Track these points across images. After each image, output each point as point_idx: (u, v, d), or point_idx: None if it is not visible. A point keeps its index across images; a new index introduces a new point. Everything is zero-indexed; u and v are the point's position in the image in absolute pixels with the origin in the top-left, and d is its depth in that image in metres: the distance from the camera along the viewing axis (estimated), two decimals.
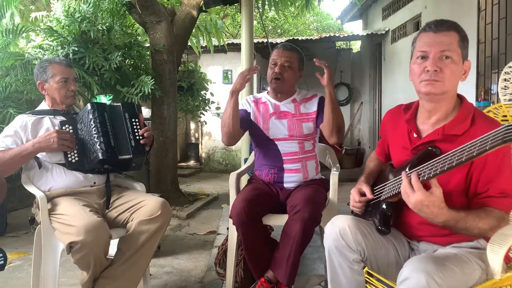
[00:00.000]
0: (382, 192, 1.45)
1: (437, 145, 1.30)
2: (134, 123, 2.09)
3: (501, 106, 1.95)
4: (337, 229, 1.43)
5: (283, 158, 2.24)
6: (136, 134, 2.07)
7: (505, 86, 1.97)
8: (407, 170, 1.28)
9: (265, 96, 2.39)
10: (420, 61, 1.35)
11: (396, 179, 1.38)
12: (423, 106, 1.43)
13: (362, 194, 1.50)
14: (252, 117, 2.32)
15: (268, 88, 2.38)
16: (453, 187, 1.31)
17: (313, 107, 2.29)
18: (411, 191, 1.20)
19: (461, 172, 1.29)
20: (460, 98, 1.40)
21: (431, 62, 1.31)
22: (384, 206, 1.42)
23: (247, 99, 2.41)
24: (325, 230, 1.49)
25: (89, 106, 2.04)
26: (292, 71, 2.27)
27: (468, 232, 1.24)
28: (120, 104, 2.15)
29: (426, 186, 1.20)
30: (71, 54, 3.61)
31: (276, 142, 2.26)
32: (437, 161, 1.18)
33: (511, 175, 1.28)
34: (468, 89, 4.10)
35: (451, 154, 1.14)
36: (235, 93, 2.12)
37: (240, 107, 2.33)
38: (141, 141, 2.06)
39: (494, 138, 1.03)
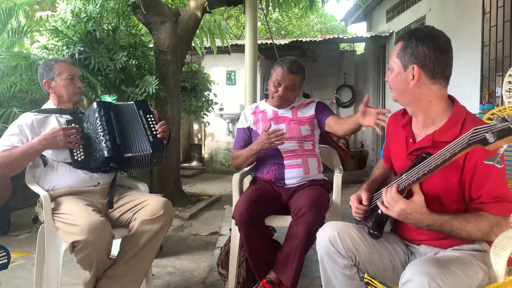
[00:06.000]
0: (380, 197, 1.46)
1: (429, 151, 1.30)
2: (149, 119, 2.11)
3: (506, 108, 1.95)
4: (327, 236, 1.46)
5: (283, 155, 2.26)
6: (153, 129, 2.08)
7: (509, 89, 1.96)
8: (403, 176, 1.31)
9: (264, 104, 2.46)
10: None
11: (388, 186, 1.38)
12: None
13: (361, 201, 1.51)
14: (252, 126, 2.41)
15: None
16: (448, 193, 1.33)
17: (309, 111, 2.37)
18: (393, 202, 1.26)
19: (455, 178, 1.30)
20: (452, 100, 1.40)
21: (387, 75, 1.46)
22: (379, 211, 1.42)
23: (245, 114, 2.47)
24: (317, 237, 1.52)
25: (95, 105, 2.06)
26: (294, 92, 2.36)
27: (457, 235, 1.25)
28: (133, 102, 2.19)
29: (410, 193, 1.26)
30: (76, 54, 3.62)
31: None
32: (416, 169, 1.23)
33: (502, 179, 1.29)
34: (472, 91, 4.09)
35: (427, 162, 1.20)
36: (259, 152, 2.23)
37: (239, 125, 2.46)
38: (159, 135, 2.07)
39: (462, 141, 1.08)
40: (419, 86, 1.35)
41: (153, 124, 2.10)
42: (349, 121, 2.13)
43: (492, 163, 1.01)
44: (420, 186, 1.27)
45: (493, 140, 0.98)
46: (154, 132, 2.07)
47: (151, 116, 2.12)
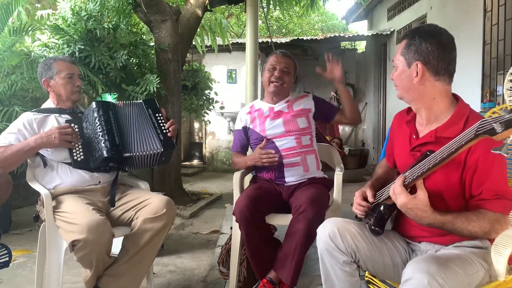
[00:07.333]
0: (382, 195, 1.47)
1: (431, 147, 1.31)
2: (158, 118, 2.11)
3: (507, 107, 1.95)
4: (327, 232, 1.46)
5: (282, 153, 2.27)
6: (163, 128, 2.09)
7: (510, 87, 1.96)
8: (407, 173, 1.31)
9: (259, 103, 2.47)
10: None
11: (393, 183, 1.39)
12: None
13: (365, 198, 1.52)
14: (249, 125, 2.42)
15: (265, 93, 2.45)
16: (449, 190, 1.33)
17: (306, 105, 2.39)
18: (397, 193, 1.27)
19: (456, 175, 1.31)
20: (456, 98, 1.41)
21: (392, 73, 1.47)
22: (381, 208, 1.43)
23: (240, 117, 2.49)
24: (317, 233, 1.52)
25: (94, 104, 2.05)
26: (289, 76, 2.37)
27: (458, 234, 1.26)
28: (141, 101, 2.19)
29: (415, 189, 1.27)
30: (77, 53, 3.62)
31: (274, 140, 2.29)
32: (421, 164, 1.24)
33: (503, 177, 1.30)
34: (473, 90, 4.08)
35: (431, 157, 1.21)
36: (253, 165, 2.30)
37: (236, 127, 2.51)
38: (168, 134, 2.07)
39: (469, 133, 1.08)
40: (423, 82, 1.37)
41: (163, 123, 2.10)
42: (344, 103, 2.38)
43: (499, 152, 1.03)
44: (423, 183, 1.26)
45: (500, 130, 0.99)
46: (164, 131, 2.08)
47: (160, 115, 2.12)
